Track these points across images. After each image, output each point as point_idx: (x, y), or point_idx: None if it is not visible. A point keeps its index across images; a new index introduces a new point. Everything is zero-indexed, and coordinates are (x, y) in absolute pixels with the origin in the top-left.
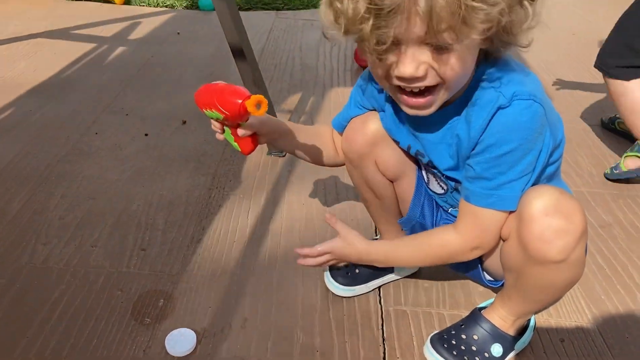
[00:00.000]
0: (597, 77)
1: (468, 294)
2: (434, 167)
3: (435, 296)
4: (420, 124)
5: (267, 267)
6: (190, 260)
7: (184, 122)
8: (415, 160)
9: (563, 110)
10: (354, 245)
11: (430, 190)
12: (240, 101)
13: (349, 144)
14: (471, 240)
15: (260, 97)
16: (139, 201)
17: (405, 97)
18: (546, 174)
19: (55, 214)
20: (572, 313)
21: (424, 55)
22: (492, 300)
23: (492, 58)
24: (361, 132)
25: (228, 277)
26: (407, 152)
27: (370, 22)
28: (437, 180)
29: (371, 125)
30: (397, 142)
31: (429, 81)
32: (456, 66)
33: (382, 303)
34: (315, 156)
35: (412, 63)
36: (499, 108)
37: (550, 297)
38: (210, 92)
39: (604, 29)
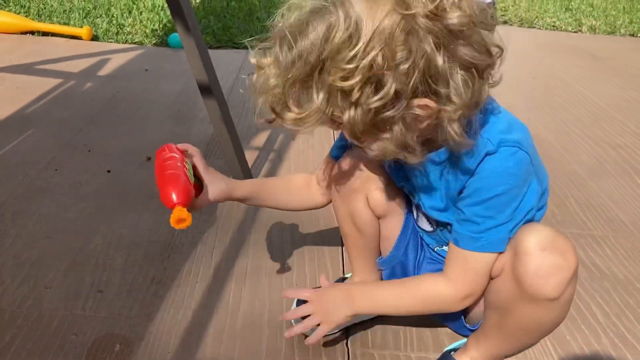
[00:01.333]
0: (556, 118)
1: (436, 336)
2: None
3: (403, 338)
4: (412, 169)
5: (231, 309)
6: (150, 302)
7: (149, 159)
8: (407, 197)
9: None
10: (335, 287)
11: (419, 227)
12: (170, 204)
13: (341, 177)
14: (462, 287)
15: (180, 214)
16: (97, 240)
17: None
18: (536, 219)
19: (9, 253)
20: (539, 354)
21: None
22: (461, 342)
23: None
24: (357, 166)
25: (189, 320)
26: (400, 189)
27: None
28: (426, 217)
29: (368, 161)
30: (392, 180)
31: None
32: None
33: (349, 346)
34: (290, 205)
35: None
36: (487, 154)
37: (531, 338)
38: (158, 169)
39: (562, 73)
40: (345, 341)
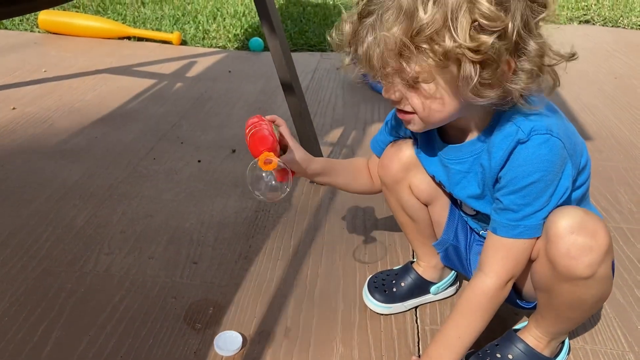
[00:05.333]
0: (638, 118)
1: (503, 317)
2: (455, 199)
3: None
4: (451, 154)
5: (309, 284)
6: (238, 274)
7: (234, 151)
8: None
9: (604, 150)
10: None
11: (463, 212)
12: (257, 153)
13: (384, 170)
14: (505, 274)
15: (267, 156)
16: (191, 220)
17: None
18: (573, 198)
19: (117, 228)
20: (608, 340)
21: (398, 85)
22: (526, 323)
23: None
24: (396, 158)
25: (272, 291)
26: None
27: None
28: None
29: (406, 152)
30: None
31: (404, 107)
32: (421, 103)
33: (419, 322)
34: (352, 187)
35: (389, 89)
36: (518, 142)
37: (581, 314)
38: (248, 130)
39: None
40: (414, 318)
